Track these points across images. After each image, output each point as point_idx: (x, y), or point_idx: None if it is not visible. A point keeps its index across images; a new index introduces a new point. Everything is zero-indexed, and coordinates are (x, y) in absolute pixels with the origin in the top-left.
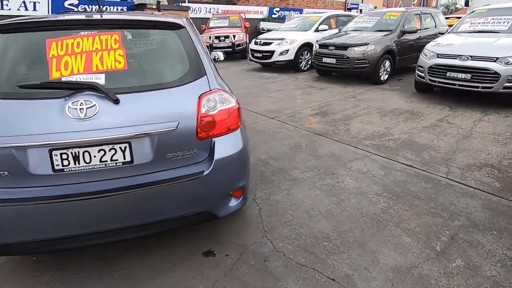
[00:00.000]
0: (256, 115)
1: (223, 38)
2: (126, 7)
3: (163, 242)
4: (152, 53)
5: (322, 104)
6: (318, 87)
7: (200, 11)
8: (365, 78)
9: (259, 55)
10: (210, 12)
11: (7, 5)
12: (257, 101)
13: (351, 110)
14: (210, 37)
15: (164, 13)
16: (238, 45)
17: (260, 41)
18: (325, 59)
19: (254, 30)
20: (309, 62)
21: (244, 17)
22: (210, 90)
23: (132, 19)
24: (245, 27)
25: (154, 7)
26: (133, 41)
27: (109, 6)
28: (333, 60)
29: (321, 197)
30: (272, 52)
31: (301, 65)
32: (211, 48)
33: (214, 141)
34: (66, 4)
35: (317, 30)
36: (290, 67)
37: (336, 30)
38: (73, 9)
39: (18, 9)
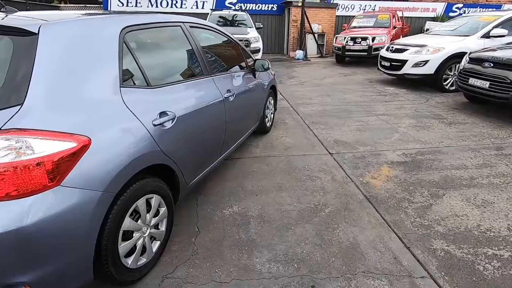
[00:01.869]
0: (315, 145)
1: (360, 40)
2: (276, 5)
3: None
4: None
5: (427, 148)
6: (447, 120)
7: (353, 9)
8: None
9: (387, 64)
10: (364, 9)
11: (184, 4)
12: (339, 124)
13: (470, 172)
14: (344, 38)
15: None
16: (376, 49)
17: (392, 47)
18: (473, 80)
19: (418, 32)
20: None
21: (400, 15)
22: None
23: None
24: (395, 27)
25: (299, 4)
26: None
27: (261, 4)
28: (485, 84)
29: None
30: (404, 62)
31: (445, 83)
32: (343, 51)
33: None
34: (226, 3)
35: (487, 36)
36: (430, 83)
37: None
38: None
39: (191, 7)
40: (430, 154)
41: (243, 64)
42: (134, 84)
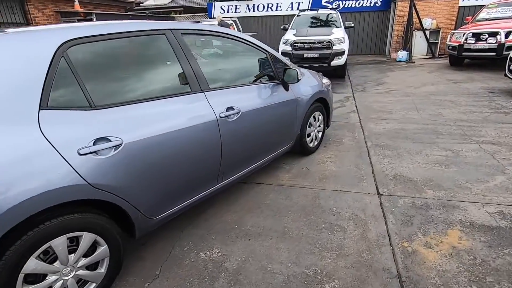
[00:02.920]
0: (363, 178)
1: (486, 36)
2: None
3: None
4: None
5: None
6: None
7: None
8: None
9: None
10: None
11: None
12: (413, 151)
13: None
14: (463, 35)
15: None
16: (510, 47)
17: None
18: None
19: None
20: None
21: None
22: None
23: None
24: None
25: None
26: None
27: (362, 0)
28: None
29: None
30: None
31: None
32: (459, 50)
33: None
34: (323, 2)
35: None
36: None
37: None
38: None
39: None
40: None
41: (270, 74)
42: (67, 105)
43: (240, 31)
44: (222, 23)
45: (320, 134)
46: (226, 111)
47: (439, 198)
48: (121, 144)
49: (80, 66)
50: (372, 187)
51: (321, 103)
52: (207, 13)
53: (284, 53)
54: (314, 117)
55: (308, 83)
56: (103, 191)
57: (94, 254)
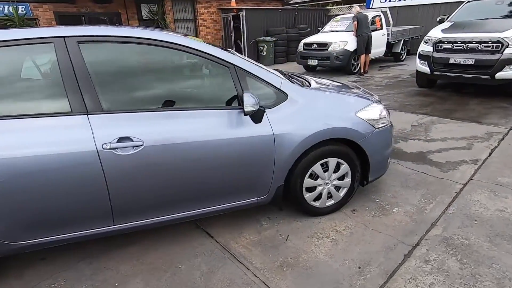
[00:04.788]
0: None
1: None
2: None
3: None
4: None
5: None
6: None
7: None
8: None
9: None
10: None
11: None
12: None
13: None
14: None
15: None
16: None
17: None
18: None
19: None
20: None
21: None
22: None
23: None
24: None
25: None
26: None
27: None
28: None
29: None
30: None
31: None
32: None
33: None
34: None
35: None
36: None
37: None
38: None
39: None
40: None
41: (229, 98)
42: None
43: (390, 24)
44: (359, 17)
45: (343, 192)
46: (118, 142)
47: None
48: None
49: None
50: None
51: (349, 146)
52: (365, 4)
53: (422, 56)
54: (327, 165)
55: (314, 112)
56: None
57: None
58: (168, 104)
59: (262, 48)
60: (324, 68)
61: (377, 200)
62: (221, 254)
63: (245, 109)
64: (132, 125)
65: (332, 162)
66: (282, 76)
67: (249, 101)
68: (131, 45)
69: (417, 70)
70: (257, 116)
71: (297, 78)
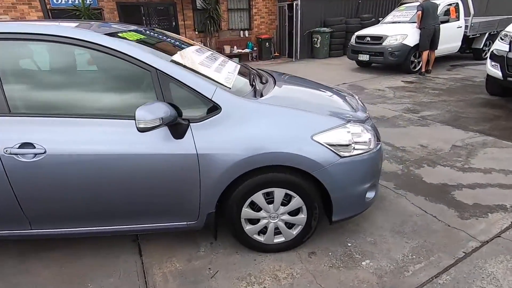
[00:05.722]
0: None
1: None
2: None
3: None
4: None
5: None
6: None
7: None
8: None
9: None
10: None
11: None
12: None
13: None
14: None
15: None
16: None
17: None
18: None
19: None
20: None
21: None
22: None
23: None
24: None
25: None
26: None
27: None
28: None
29: None
30: None
31: None
32: None
33: None
34: None
35: None
36: None
37: None
38: None
39: None
40: None
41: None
42: None
43: (470, 14)
44: (424, 5)
45: (296, 230)
46: (19, 147)
47: None
48: None
49: None
50: None
51: (307, 176)
52: None
53: (494, 56)
54: (273, 196)
55: (251, 132)
56: None
57: None
58: (79, 110)
59: (316, 39)
60: (378, 64)
61: (349, 245)
62: (135, 279)
63: (137, 125)
64: (36, 131)
65: (279, 193)
66: (229, 81)
67: (142, 116)
68: (41, 43)
69: (487, 74)
70: (177, 131)
71: (260, 82)
